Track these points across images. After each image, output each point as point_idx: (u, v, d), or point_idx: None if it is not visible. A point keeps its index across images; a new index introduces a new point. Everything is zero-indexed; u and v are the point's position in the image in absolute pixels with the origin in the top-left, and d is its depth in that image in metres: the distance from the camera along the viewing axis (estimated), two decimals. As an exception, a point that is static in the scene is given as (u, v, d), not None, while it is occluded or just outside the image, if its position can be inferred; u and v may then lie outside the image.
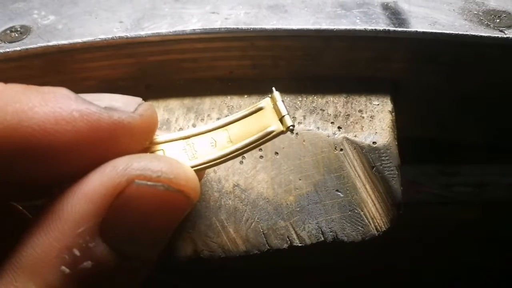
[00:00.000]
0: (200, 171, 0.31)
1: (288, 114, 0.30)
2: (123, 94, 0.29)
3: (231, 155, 0.30)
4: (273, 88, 0.31)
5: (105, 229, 0.25)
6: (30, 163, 0.25)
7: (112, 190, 0.25)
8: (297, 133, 0.39)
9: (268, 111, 0.31)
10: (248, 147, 0.30)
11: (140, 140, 0.28)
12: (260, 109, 0.31)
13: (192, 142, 0.31)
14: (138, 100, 0.28)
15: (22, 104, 0.25)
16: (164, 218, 0.27)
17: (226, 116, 0.40)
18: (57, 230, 0.25)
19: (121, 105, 0.27)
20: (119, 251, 0.26)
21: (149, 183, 0.25)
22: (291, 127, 0.30)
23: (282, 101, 0.31)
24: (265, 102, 0.31)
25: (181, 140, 0.31)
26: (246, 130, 0.31)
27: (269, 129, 0.30)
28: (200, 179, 0.32)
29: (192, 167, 0.30)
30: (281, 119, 0.30)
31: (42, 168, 0.26)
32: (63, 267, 0.24)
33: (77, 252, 0.24)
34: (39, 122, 0.25)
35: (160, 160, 0.27)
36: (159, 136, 0.31)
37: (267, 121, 0.30)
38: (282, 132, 0.30)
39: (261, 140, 0.30)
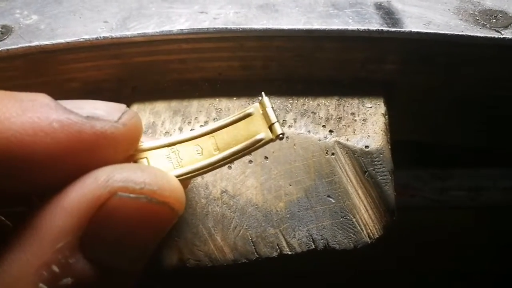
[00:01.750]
0: (185, 180, 0.29)
1: (278, 121, 0.29)
2: (108, 97, 0.28)
3: (218, 164, 0.29)
4: (263, 93, 0.30)
5: (86, 244, 0.24)
6: (6, 174, 0.24)
7: (93, 203, 0.24)
8: (287, 137, 0.37)
9: (257, 117, 0.29)
10: (236, 155, 0.29)
11: (124, 150, 0.27)
12: (248, 114, 0.30)
13: (177, 149, 0.29)
14: (122, 107, 0.27)
15: None
16: (148, 230, 0.26)
17: (214, 119, 0.39)
18: (35, 246, 0.23)
19: (104, 114, 0.26)
20: (100, 265, 0.24)
21: (131, 195, 0.24)
22: (280, 135, 0.29)
23: (272, 107, 0.29)
24: (254, 107, 0.30)
25: (166, 147, 0.29)
26: (233, 137, 0.29)
27: (258, 137, 0.29)
28: (185, 188, 0.31)
29: (177, 176, 0.28)
30: (271, 127, 0.29)
31: (19, 179, 0.24)
32: (41, 285, 0.23)
33: (56, 269, 0.23)
34: (16, 133, 0.23)
35: (144, 171, 0.25)
36: (144, 143, 0.29)
37: (256, 128, 0.29)
38: (271, 140, 0.29)
39: (250, 148, 0.29)
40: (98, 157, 0.25)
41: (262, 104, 0.30)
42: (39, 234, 0.23)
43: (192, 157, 0.29)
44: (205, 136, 0.30)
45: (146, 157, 0.29)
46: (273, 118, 0.29)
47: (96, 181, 0.24)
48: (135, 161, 0.28)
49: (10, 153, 0.23)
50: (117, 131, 0.25)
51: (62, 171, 0.24)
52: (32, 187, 0.25)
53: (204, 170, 0.29)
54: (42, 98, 0.25)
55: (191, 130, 0.36)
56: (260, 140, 0.29)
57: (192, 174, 0.29)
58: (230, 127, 0.30)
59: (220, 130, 0.30)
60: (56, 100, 0.26)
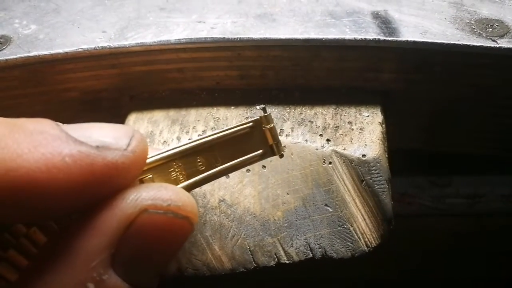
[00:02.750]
0: (188, 191, 0.29)
1: (279, 141, 0.30)
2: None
3: (218, 175, 0.30)
4: (266, 108, 0.31)
5: (118, 260, 0.25)
6: (20, 209, 0.24)
7: (124, 220, 0.25)
8: (284, 146, 0.37)
9: (258, 131, 0.30)
10: (236, 168, 0.30)
11: (134, 176, 0.27)
12: (249, 128, 0.30)
13: (179, 163, 0.29)
14: (129, 132, 0.27)
15: (10, 151, 0.23)
16: (171, 244, 0.27)
17: (212, 128, 0.39)
18: (71, 266, 0.24)
19: (112, 141, 0.26)
20: (130, 280, 0.25)
21: (160, 211, 0.25)
22: (282, 153, 0.30)
23: (274, 125, 0.30)
24: (256, 122, 0.30)
25: (169, 161, 0.29)
26: (234, 150, 0.30)
27: (258, 153, 0.30)
28: None
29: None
30: (272, 145, 0.30)
31: (34, 212, 0.24)
32: None
33: (91, 286, 0.24)
34: (30, 171, 0.23)
35: (167, 189, 0.26)
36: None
37: (257, 143, 0.30)
38: (272, 156, 0.30)
39: (249, 161, 0.30)
40: (110, 184, 0.26)
41: (265, 120, 0.30)
42: (74, 254, 0.24)
43: (194, 170, 0.29)
44: (208, 147, 0.30)
45: (151, 175, 0.29)
46: (276, 137, 0.30)
47: (125, 201, 0.25)
48: (141, 180, 0.28)
49: (24, 191, 0.23)
50: (127, 160, 0.26)
51: (75, 201, 0.25)
52: (46, 217, 0.26)
53: (205, 181, 0.30)
54: (50, 128, 0.25)
55: (190, 139, 0.36)
56: (261, 155, 0.30)
57: (195, 186, 0.29)
58: (231, 138, 0.30)
59: (221, 142, 0.30)
60: (60, 123, 0.26)
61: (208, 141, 0.30)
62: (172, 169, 0.29)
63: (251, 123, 0.30)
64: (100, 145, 0.25)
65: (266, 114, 0.30)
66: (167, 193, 0.26)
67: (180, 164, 0.29)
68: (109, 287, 0.25)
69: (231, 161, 0.30)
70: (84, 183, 0.24)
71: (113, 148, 0.25)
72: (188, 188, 0.29)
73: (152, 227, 0.25)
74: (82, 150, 0.24)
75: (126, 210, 0.25)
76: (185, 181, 0.29)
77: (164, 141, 0.38)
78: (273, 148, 0.30)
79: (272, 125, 0.30)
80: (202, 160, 0.30)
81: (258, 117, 0.30)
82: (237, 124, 0.30)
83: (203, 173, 0.29)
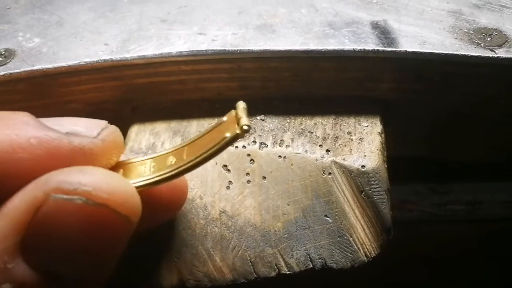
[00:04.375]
0: (153, 186, 0.28)
1: (245, 116, 0.27)
2: (109, 117, 0.28)
3: (186, 167, 0.28)
4: (241, 101, 0.29)
5: (27, 249, 0.23)
6: None
7: (30, 205, 0.23)
8: (284, 157, 0.38)
9: (229, 122, 0.28)
10: (201, 157, 0.28)
11: (103, 165, 0.26)
12: (222, 122, 0.29)
13: (153, 162, 0.29)
14: (103, 123, 0.27)
15: None
16: (95, 237, 0.24)
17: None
18: None
19: (83, 130, 0.26)
20: (45, 272, 0.24)
21: (65, 196, 0.23)
22: (245, 127, 0.27)
23: (245, 107, 0.28)
24: (228, 115, 0.28)
25: (145, 161, 0.29)
26: (205, 143, 0.28)
27: (224, 135, 0.27)
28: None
29: (147, 183, 0.28)
30: (238, 123, 0.27)
31: None
32: None
33: None
34: None
35: (83, 172, 0.24)
36: (128, 159, 0.30)
37: (225, 130, 0.28)
38: (237, 136, 0.27)
39: (215, 148, 0.27)
40: None
41: (236, 109, 0.28)
42: None
43: (164, 166, 0.29)
44: (181, 148, 0.29)
45: (122, 169, 0.29)
46: (240, 113, 0.28)
47: (35, 183, 0.24)
48: None
49: None
50: (95, 146, 0.26)
51: None
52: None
53: (172, 174, 0.28)
54: (22, 116, 0.25)
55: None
56: (224, 138, 0.27)
57: (159, 179, 0.28)
58: (204, 136, 0.29)
59: (196, 141, 0.29)
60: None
61: (185, 142, 0.29)
62: (144, 167, 0.29)
63: (224, 117, 0.29)
64: (70, 131, 0.25)
65: (240, 105, 0.28)
66: (77, 176, 0.24)
67: (153, 163, 0.29)
68: (15, 276, 0.23)
69: (200, 153, 0.28)
70: (49, 166, 0.24)
71: (82, 135, 0.25)
72: (152, 184, 0.28)
73: (59, 214, 0.23)
74: (50, 135, 0.24)
75: (34, 193, 0.23)
76: (149, 175, 0.28)
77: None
78: (239, 125, 0.27)
79: (242, 108, 0.28)
80: (175, 158, 0.29)
81: (232, 111, 0.28)
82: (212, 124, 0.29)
83: (170, 167, 0.28)
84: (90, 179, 0.24)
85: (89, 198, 0.23)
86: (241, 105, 0.28)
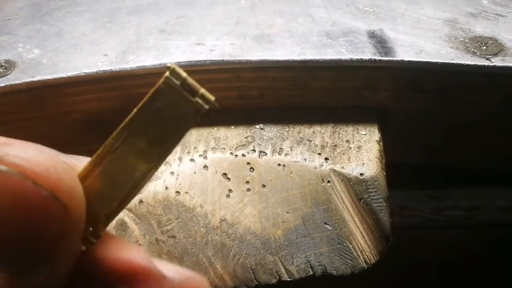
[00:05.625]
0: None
1: (203, 89, 0.23)
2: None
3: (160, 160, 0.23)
4: (168, 64, 0.23)
5: None
6: None
7: None
8: (284, 165, 0.38)
9: (175, 92, 0.23)
10: (170, 149, 0.23)
11: None
12: (159, 92, 0.23)
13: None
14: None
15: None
16: (19, 218, 0.20)
17: (212, 148, 0.40)
18: None
19: None
20: None
21: None
22: (212, 104, 0.23)
23: (186, 76, 0.23)
24: (165, 84, 0.23)
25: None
26: (162, 125, 0.23)
27: (187, 113, 0.23)
28: None
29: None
30: (196, 98, 0.23)
31: None
32: None
33: None
34: None
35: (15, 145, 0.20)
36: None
37: (181, 105, 0.23)
38: (204, 115, 0.23)
39: (183, 129, 0.23)
40: None
41: (174, 75, 0.23)
42: None
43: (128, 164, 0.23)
44: (129, 135, 0.23)
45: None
46: (196, 87, 0.23)
47: None
48: None
49: None
50: None
51: None
52: None
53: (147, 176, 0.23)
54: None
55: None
56: (188, 122, 0.23)
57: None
58: (151, 111, 0.23)
59: (141, 119, 0.23)
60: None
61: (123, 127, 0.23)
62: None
63: (159, 84, 0.23)
64: None
65: (170, 67, 0.23)
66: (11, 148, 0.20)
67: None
68: None
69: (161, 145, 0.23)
70: None
71: None
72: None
73: None
74: None
75: None
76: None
77: (166, 162, 0.39)
78: (198, 100, 0.23)
79: (184, 77, 0.23)
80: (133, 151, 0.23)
81: (164, 77, 0.23)
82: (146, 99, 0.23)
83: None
84: (28, 154, 0.20)
85: (20, 171, 0.19)
86: (181, 71, 0.23)
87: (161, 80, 0.23)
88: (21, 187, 0.19)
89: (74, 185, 0.21)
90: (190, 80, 0.23)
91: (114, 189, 0.23)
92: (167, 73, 0.23)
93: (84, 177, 0.23)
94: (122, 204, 0.23)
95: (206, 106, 0.23)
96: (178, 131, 0.23)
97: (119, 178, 0.23)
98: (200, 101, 0.23)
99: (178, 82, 0.23)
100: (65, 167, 0.21)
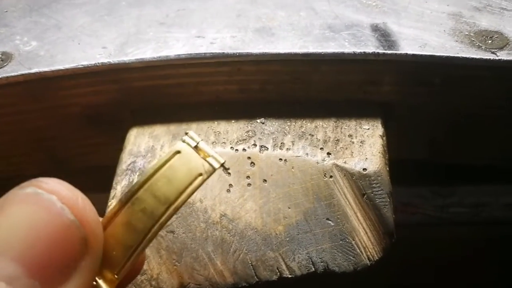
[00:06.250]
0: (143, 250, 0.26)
1: (214, 153, 0.27)
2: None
3: (166, 218, 0.26)
4: (188, 131, 0.28)
5: None
6: None
7: None
8: (285, 160, 0.38)
9: (188, 154, 0.26)
10: (179, 201, 0.26)
11: None
12: (177, 153, 0.26)
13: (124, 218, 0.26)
14: None
15: None
16: (43, 240, 0.21)
17: (212, 142, 0.39)
18: None
19: None
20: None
21: (39, 191, 0.22)
22: (224, 163, 0.26)
23: (202, 140, 0.27)
24: (180, 145, 0.27)
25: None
26: (169, 184, 0.26)
27: (198, 173, 0.26)
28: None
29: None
30: (208, 159, 0.27)
31: None
32: None
33: None
34: None
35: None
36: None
37: (192, 165, 0.26)
38: (213, 172, 0.26)
39: (191, 189, 0.26)
40: None
41: (190, 140, 0.27)
42: None
43: (139, 220, 0.26)
44: (141, 192, 0.26)
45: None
46: (209, 151, 0.27)
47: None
48: None
49: None
50: None
51: None
52: None
53: (157, 228, 0.26)
54: None
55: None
56: (203, 176, 0.26)
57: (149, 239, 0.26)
58: (164, 170, 0.26)
59: (154, 177, 0.26)
60: None
61: (141, 181, 0.26)
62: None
63: (177, 147, 0.27)
64: None
65: (188, 133, 0.27)
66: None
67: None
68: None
69: (173, 197, 0.26)
70: None
71: None
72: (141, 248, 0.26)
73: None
74: None
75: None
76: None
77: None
78: (210, 161, 0.26)
79: (201, 142, 0.27)
80: (144, 207, 0.26)
81: (180, 140, 0.27)
82: (163, 156, 0.27)
83: (150, 222, 0.25)
84: (62, 183, 0.23)
85: (41, 187, 0.22)
86: (196, 137, 0.27)
87: (178, 142, 0.27)
88: (49, 207, 0.21)
89: (96, 220, 0.23)
90: (203, 143, 0.27)
91: (122, 246, 0.25)
92: (184, 137, 0.27)
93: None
94: (129, 261, 0.25)
95: (217, 166, 0.26)
96: (188, 190, 0.26)
97: (127, 235, 0.25)
98: (211, 161, 0.26)
99: (193, 144, 0.27)
100: (91, 205, 0.23)
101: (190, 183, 0.26)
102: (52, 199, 0.22)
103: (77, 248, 0.22)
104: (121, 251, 0.25)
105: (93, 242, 0.23)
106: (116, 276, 0.25)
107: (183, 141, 0.27)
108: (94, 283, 0.25)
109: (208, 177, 0.26)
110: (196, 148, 0.27)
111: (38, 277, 0.21)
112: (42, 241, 0.21)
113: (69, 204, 0.22)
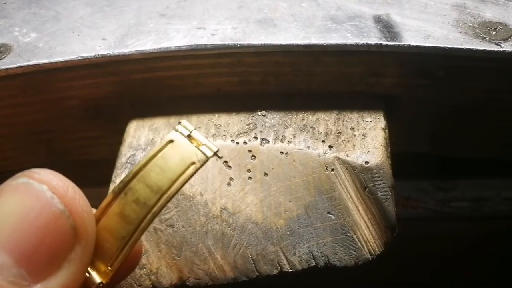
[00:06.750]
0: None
1: (207, 141, 0.27)
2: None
3: (159, 208, 0.26)
4: (181, 121, 0.28)
5: None
6: None
7: None
8: (286, 153, 0.37)
9: (181, 143, 0.26)
10: (172, 190, 0.26)
11: None
12: (170, 142, 0.26)
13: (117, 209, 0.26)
14: None
15: None
16: (32, 228, 0.22)
17: (213, 135, 0.39)
18: None
19: None
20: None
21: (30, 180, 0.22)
22: (217, 152, 0.26)
23: (196, 129, 0.27)
24: (173, 134, 0.27)
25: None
26: (163, 171, 0.26)
27: (191, 161, 0.26)
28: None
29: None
30: (201, 148, 0.26)
31: None
32: None
33: None
34: None
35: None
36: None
37: (185, 154, 0.26)
38: (206, 161, 0.26)
39: (185, 177, 0.26)
40: None
41: (183, 129, 0.27)
42: None
43: (132, 210, 0.26)
44: (134, 182, 0.26)
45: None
46: (202, 139, 0.27)
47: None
48: None
49: None
50: None
51: None
52: None
53: (149, 221, 0.26)
54: None
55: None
56: (196, 164, 0.26)
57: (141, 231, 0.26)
58: (156, 160, 0.26)
59: (147, 167, 0.26)
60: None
61: (134, 171, 0.26)
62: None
63: (170, 136, 0.27)
64: None
65: (181, 122, 0.27)
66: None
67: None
68: None
69: (165, 186, 0.26)
70: None
71: None
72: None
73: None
74: None
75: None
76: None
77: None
78: (203, 149, 0.26)
79: (194, 130, 0.27)
80: (136, 197, 0.26)
81: (174, 129, 0.27)
82: (156, 145, 0.27)
83: (143, 212, 0.25)
84: (54, 174, 0.23)
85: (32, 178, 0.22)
86: (189, 126, 0.27)
87: (171, 131, 0.27)
88: (39, 196, 0.22)
89: (88, 211, 0.23)
90: (196, 132, 0.27)
91: (115, 237, 0.25)
92: (177, 126, 0.27)
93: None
94: (122, 252, 0.25)
95: (210, 154, 0.26)
96: (181, 178, 0.26)
97: (120, 226, 0.25)
98: (204, 149, 0.26)
99: (186, 133, 0.27)
100: (82, 195, 0.23)
101: (183, 172, 0.26)
102: (42, 188, 0.22)
103: (66, 238, 0.22)
104: (114, 242, 0.25)
105: (83, 232, 0.23)
106: (109, 268, 0.25)
107: (176, 130, 0.27)
108: (87, 274, 0.25)
109: (201, 165, 0.26)
110: (189, 137, 0.27)
111: (26, 266, 0.21)
112: (30, 230, 0.21)
113: (59, 194, 0.22)
